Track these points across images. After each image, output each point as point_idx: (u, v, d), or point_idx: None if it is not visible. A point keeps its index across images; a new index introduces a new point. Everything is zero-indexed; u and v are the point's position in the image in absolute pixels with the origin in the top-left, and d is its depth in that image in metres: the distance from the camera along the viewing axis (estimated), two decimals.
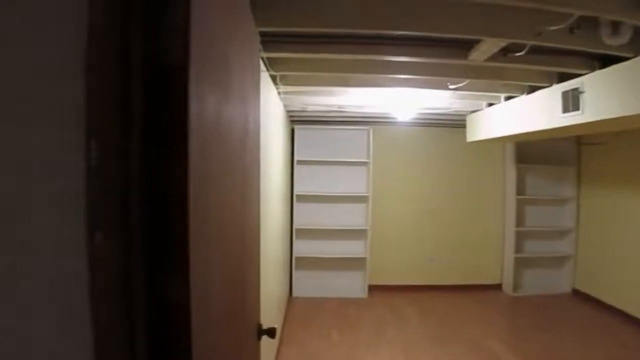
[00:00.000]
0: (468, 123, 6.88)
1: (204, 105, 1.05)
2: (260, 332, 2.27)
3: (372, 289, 7.76)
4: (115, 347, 0.82)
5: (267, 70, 3.92)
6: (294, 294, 7.65)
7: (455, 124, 7.48)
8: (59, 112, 0.71)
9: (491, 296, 7.84)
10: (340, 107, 6.41)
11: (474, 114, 6.61)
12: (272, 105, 4.49)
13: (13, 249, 0.67)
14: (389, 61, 4.08)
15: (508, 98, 5.50)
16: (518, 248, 7.92)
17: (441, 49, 3.72)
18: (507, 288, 7.95)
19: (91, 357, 0.75)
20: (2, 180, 0.65)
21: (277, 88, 4.83)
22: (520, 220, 7.96)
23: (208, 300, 1.13)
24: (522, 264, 7.96)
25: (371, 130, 7.58)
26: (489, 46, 3.43)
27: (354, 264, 7.69)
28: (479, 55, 3.58)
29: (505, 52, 3.59)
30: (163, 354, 0.93)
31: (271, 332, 2.32)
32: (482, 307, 7.31)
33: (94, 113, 0.72)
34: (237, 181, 1.64)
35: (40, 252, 0.69)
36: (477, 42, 3.46)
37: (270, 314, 4.33)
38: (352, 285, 7.74)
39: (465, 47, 3.63)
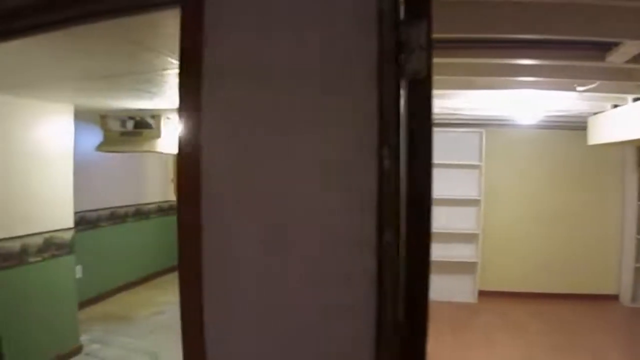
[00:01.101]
0: (590, 125, 6.62)
1: None
2: None
3: (482, 294, 7.65)
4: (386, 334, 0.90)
5: None
6: None
7: (572, 126, 7.24)
8: (361, 121, 0.80)
9: (607, 306, 7.49)
10: (455, 109, 6.36)
11: (596, 116, 6.36)
12: None
13: (321, 240, 0.77)
14: (517, 64, 4.04)
15: (636, 99, 5.27)
16: (638, 257, 7.48)
17: (574, 51, 3.65)
18: (625, 298, 7.56)
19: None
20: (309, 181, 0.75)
21: None
22: None
23: None
24: None
25: (484, 133, 7.48)
26: (630, 48, 3.33)
27: (464, 268, 7.61)
28: (618, 57, 3.48)
29: None
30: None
31: None
32: (598, 317, 7.01)
33: (384, 122, 0.80)
34: None
35: (340, 244, 0.79)
36: (616, 44, 3.37)
37: None
38: (461, 290, 7.65)
39: (602, 48, 3.54)
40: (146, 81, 3.90)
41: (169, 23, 2.36)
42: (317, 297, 0.85)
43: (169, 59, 3.05)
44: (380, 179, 0.81)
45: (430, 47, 0.97)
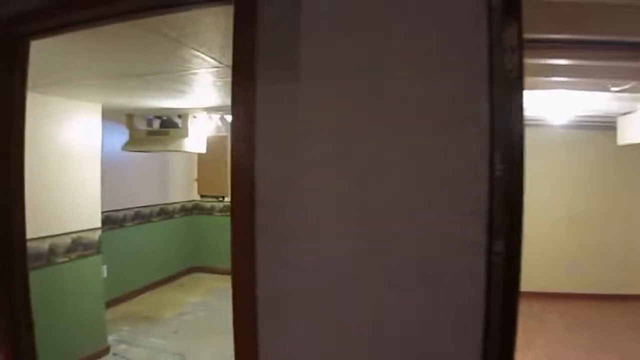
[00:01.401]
0: (619, 125, 6.52)
1: None
2: None
3: None
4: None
5: None
6: None
7: (602, 125, 7.13)
8: (472, 125, 0.76)
9: (638, 306, 7.38)
10: None
11: (626, 116, 6.25)
12: None
13: (426, 244, 0.73)
14: (550, 64, 3.96)
15: None
16: None
17: (612, 51, 3.57)
18: None
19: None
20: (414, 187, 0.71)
21: None
22: None
23: None
24: None
25: None
26: None
27: None
28: None
29: None
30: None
31: None
32: (630, 317, 6.90)
33: (495, 126, 0.76)
34: None
35: (449, 250, 0.76)
36: None
37: None
38: None
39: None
40: (177, 79, 3.89)
41: (209, 20, 2.34)
42: (422, 298, 0.81)
43: (204, 56, 3.03)
44: (492, 185, 0.78)
45: (521, 48, 0.93)
